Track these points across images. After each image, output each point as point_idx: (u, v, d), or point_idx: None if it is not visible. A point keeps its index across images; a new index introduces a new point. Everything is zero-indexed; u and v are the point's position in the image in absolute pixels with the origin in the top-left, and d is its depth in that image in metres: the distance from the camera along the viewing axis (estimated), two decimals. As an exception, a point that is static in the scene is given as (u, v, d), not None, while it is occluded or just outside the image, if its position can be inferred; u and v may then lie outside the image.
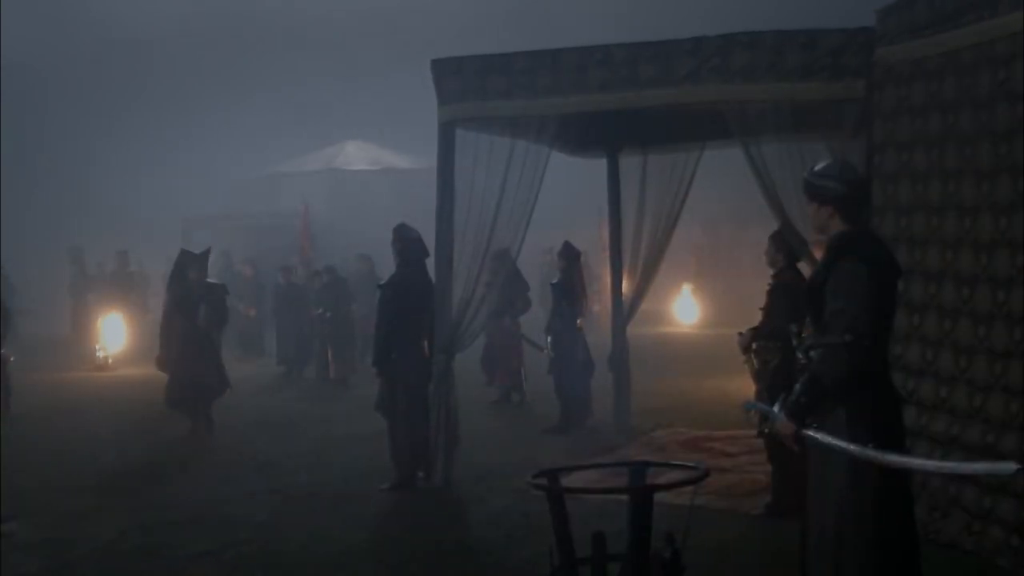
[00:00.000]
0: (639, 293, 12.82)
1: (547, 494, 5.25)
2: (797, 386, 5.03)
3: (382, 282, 10.25)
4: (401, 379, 9.94)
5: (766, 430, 5.34)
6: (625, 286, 12.99)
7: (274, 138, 36.19)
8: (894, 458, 4.88)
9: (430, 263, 10.10)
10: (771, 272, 8.90)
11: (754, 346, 8.73)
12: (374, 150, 36.48)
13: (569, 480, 6.18)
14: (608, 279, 23.80)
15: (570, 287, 13.11)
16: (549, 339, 13.29)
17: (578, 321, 13.11)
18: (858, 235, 5.53)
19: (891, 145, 7.86)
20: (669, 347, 21.28)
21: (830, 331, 4.95)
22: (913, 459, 5.28)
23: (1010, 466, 4.70)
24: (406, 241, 10.11)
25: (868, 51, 8.01)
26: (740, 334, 8.90)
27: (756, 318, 8.83)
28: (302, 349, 18.52)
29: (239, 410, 14.71)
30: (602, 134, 12.01)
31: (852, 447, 4.86)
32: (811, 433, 5.04)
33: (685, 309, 28.20)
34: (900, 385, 7.50)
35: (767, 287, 8.83)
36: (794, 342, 5.47)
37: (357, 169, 35.08)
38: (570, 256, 13.24)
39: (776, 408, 5.23)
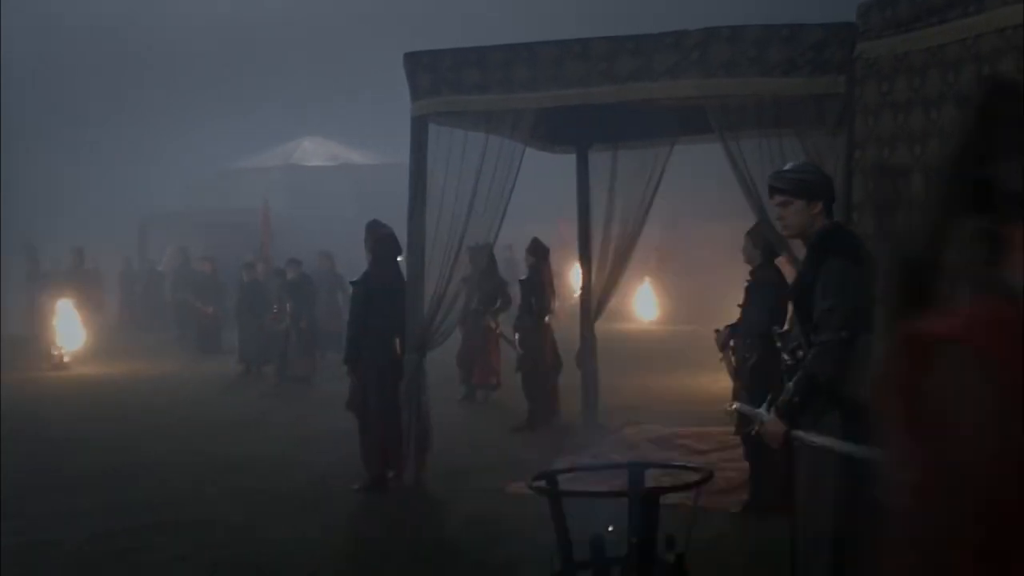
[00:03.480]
0: (607, 290, 12.75)
1: (548, 497, 5.10)
2: (789, 385, 4.95)
3: (354, 279, 10.07)
4: (372, 377, 9.80)
5: (753, 431, 5.22)
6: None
7: (231, 134, 35.85)
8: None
9: (402, 260, 9.97)
10: (748, 269, 8.83)
11: (732, 343, 8.67)
12: (332, 146, 36.25)
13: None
14: (568, 276, 23.96)
15: (538, 284, 13.01)
16: (517, 336, 13.19)
17: (546, 318, 13.01)
18: (840, 232, 5.51)
19: (872, 140, 7.81)
20: (631, 344, 21.25)
21: (823, 329, 4.88)
22: None
23: None
24: (378, 238, 9.96)
25: (850, 46, 7.95)
26: (717, 331, 8.83)
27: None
28: (264, 347, 18.29)
29: (204, 409, 14.52)
30: (573, 129, 11.91)
31: (852, 447, 4.79)
32: (803, 434, 4.96)
33: (645, 305, 28.19)
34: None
35: (745, 284, 8.76)
36: (778, 343, 5.37)
37: (315, 165, 34.85)
38: (539, 253, 13.13)
39: (763, 409, 5.16)
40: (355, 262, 22.32)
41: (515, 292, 14.15)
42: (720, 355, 8.75)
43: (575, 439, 11.86)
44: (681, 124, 11.32)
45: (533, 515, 8.51)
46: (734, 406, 5.37)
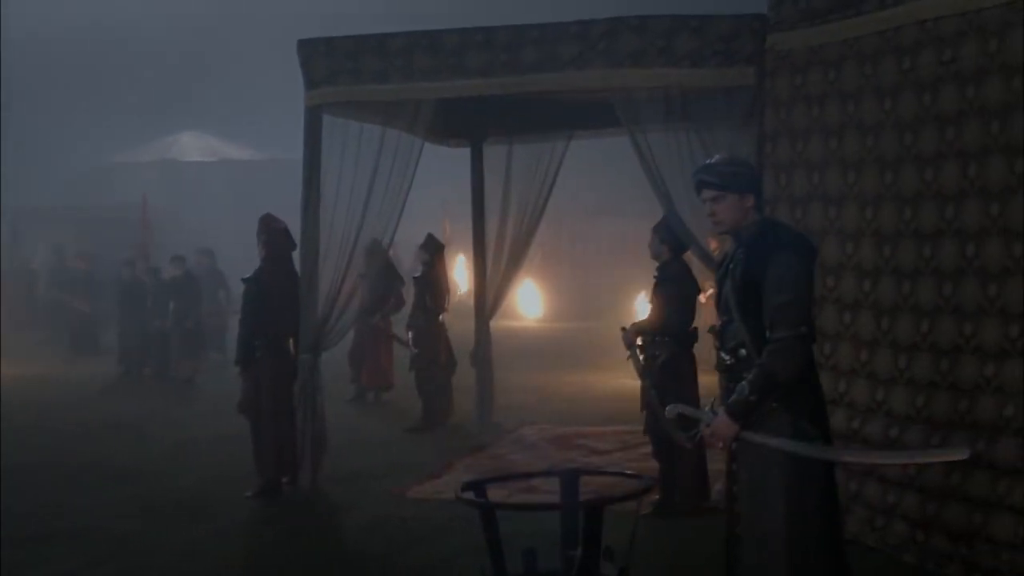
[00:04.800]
0: (503, 287, 12.52)
1: (481, 510, 4.77)
2: (744, 385, 4.73)
3: (247, 276, 9.61)
4: (266, 379, 9.37)
5: (698, 435, 5.00)
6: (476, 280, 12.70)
7: (107, 127, 34.70)
8: (848, 455, 4.71)
9: (296, 257, 9.57)
10: (655, 265, 8.62)
11: (639, 341, 8.47)
12: (211, 141, 35.39)
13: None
14: (451, 274, 23.65)
15: (433, 281, 12.68)
16: (410, 335, 12.84)
17: (440, 317, 12.70)
18: (779, 224, 5.40)
19: (785, 134, 7.69)
20: (517, 341, 21.01)
21: (780, 326, 4.70)
22: (871, 452, 5.12)
23: (964, 452, 4.74)
24: (272, 232, 9.52)
25: (761, 38, 7.83)
26: (623, 329, 8.63)
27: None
28: (145, 348, 17.65)
29: (85, 412, 13.87)
30: (467, 121, 11.61)
31: (805, 447, 4.65)
32: (752, 435, 4.78)
33: (530, 302, 27.99)
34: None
35: (653, 280, 8.55)
36: (718, 343, 5.13)
37: (193, 160, 34.00)
38: (433, 249, 12.79)
39: (708, 409, 4.96)
40: (236, 259, 21.70)
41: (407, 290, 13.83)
42: (627, 353, 8.51)
43: (472, 439, 11.63)
44: (579, 117, 11.16)
45: (439, 520, 8.30)
46: (679, 410, 5.12)
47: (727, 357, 4.95)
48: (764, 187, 7.65)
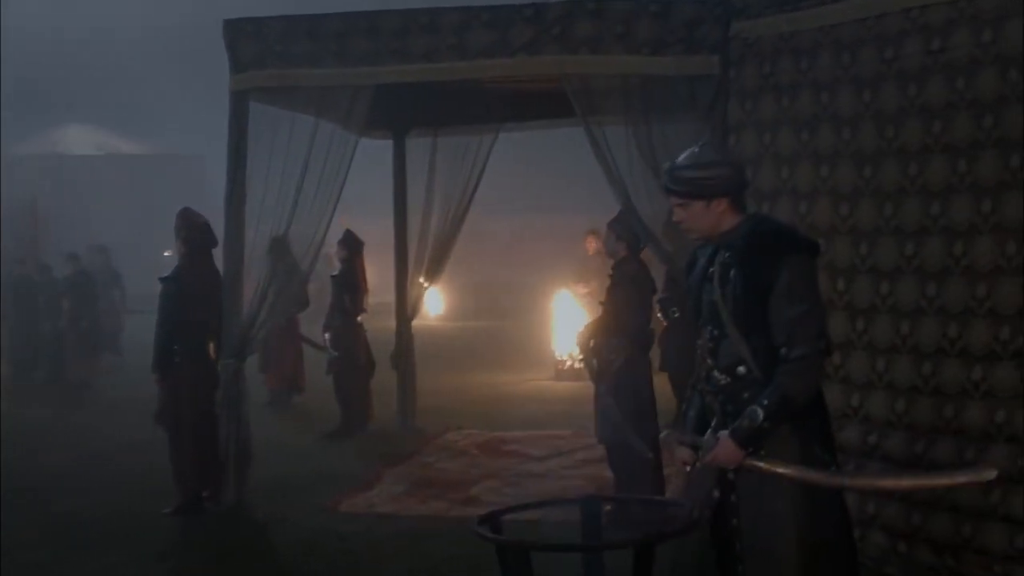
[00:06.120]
0: (422, 287, 12.08)
1: (511, 550, 4.18)
2: (755, 410, 4.18)
3: (164, 275, 8.94)
4: (185, 386, 8.74)
5: (699, 463, 4.49)
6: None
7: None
8: (864, 480, 4.33)
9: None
10: (610, 263, 8.21)
11: (592, 343, 8.05)
12: (100, 134, 34.20)
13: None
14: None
15: (352, 280, 12.12)
16: (328, 337, 12.25)
17: (359, 317, 12.14)
18: (770, 220, 4.93)
19: (750, 126, 7.31)
20: (423, 341, 20.46)
21: (799, 341, 4.21)
22: (896, 476, 4.75)
23: (991, 472, 4.37)
24: (192, 228, 8.89)
25: (725, 24, 7.45)
26: (578, 332, 8.23)
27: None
28: (37, 349, 16.75)
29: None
30: (390, 112, 11.05)
31: (822, 475, 4.26)
32: (754, 461, 4.31)
33: (430, 300, 27.42)
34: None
35: (608, 278, 8.13)
36: (709, 360, 4.47)
37: (82, 154, 32.79)
38: (352, 246, 12.21)
39: (708, 436, 4.45)
40: (129, 256, 20.76)
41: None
42: (580, 356, 8.11)
43: (396, 446, 11.11)
44: (509, 109, 10.75)
45: (378, 536, 7.82)
46: (676, 437, 4.60)
47: (721, 377, 4.41)
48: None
